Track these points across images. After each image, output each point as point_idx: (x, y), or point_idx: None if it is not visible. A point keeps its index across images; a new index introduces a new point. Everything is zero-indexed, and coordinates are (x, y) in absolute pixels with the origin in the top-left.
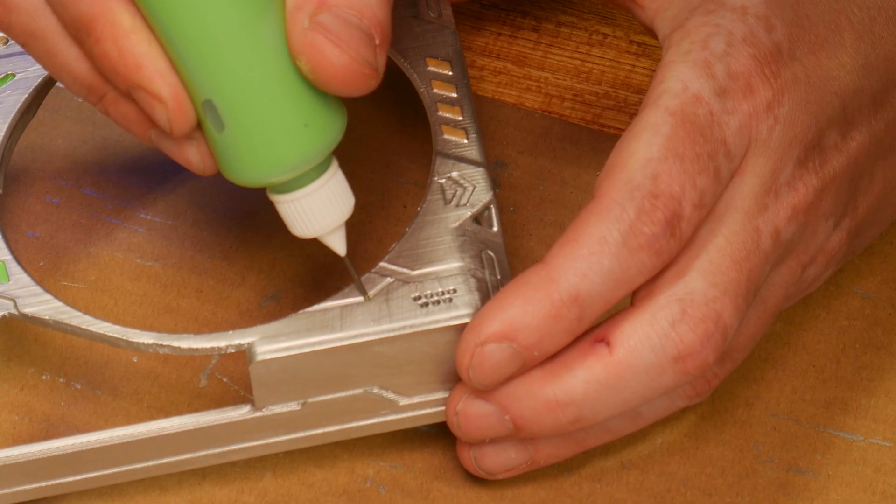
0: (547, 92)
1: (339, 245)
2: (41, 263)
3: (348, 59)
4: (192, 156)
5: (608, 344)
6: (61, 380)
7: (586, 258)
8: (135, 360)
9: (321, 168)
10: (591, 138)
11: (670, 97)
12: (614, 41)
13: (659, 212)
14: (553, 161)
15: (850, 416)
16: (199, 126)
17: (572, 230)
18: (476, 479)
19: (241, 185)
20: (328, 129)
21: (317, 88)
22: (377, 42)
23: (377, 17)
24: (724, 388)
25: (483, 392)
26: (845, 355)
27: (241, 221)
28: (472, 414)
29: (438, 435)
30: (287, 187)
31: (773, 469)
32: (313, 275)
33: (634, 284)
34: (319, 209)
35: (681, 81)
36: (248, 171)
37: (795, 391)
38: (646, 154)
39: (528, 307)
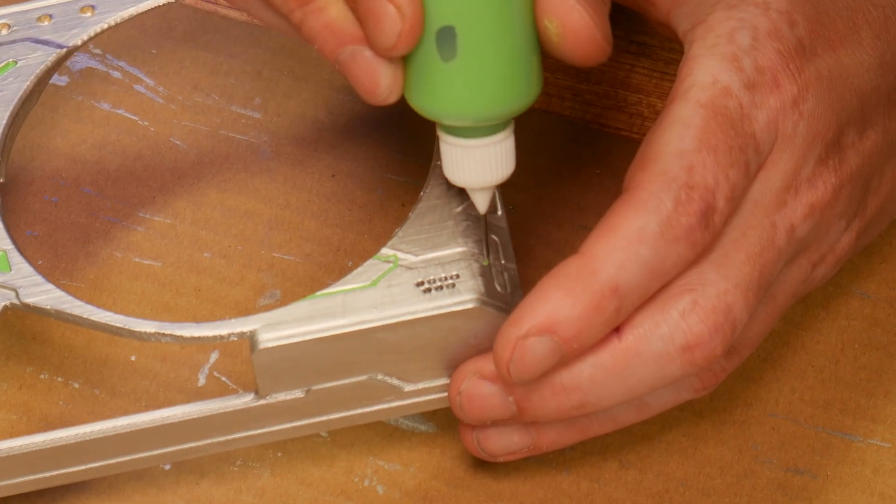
0: (547, 92)
1: (483, 203)
2: (40, 262)
3: (599, 35)
4: (384, 78)
5: (617, 330)
6: (59, 379)
7: (625, 249)
8: (133, 358)
9: (504, 125)
10: (591, 138)
11: (700, 90)
12: (614, 41)
13: (695, 203)
14: (553, 160)
15: (849, 416)
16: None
17: (608, 222)
18: (474, 479)
19: (430, 116)
20: (537, 86)
21: (543, 47)
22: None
23: None
24: (723, 388)
25: (488, 373)
26: (844, 355)
27: (239, 221)
28: (476, 394)
29: (437, 435)
30: (468, 133)
31: (772, 469)
32: (312, 274)
33: (669, 276)
34: (485, 164)
35: (710, 74)
36: (455, 104)
37: (794, 391)
38: (679, 146)
39: (570, 299)
